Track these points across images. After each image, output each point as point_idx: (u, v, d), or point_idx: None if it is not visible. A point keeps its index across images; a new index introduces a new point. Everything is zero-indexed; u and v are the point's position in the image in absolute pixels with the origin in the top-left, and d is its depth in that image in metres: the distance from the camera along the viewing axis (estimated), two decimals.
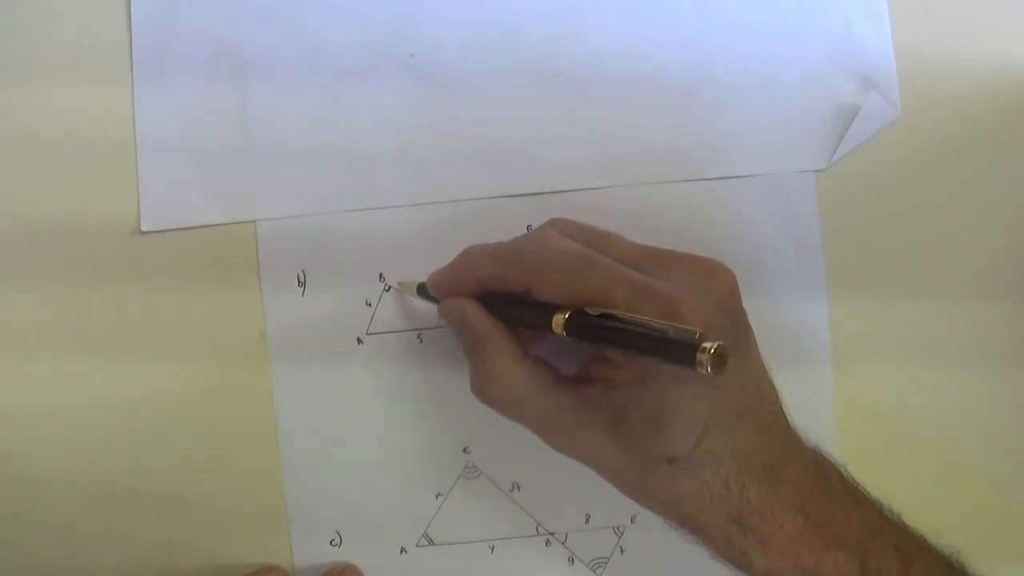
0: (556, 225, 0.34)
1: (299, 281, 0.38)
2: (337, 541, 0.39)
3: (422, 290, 0.37)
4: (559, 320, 0.30)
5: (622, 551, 0.39)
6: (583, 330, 0.30)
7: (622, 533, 0.39)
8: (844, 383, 0.39)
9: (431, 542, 0.39)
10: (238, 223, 0.38)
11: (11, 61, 0.38)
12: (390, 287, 0.38)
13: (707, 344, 0.25)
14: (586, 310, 0.30)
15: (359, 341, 0.38)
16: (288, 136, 0.38)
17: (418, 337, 0.38)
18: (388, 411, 0.38)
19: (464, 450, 0.39)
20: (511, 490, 0.39)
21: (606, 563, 0.39)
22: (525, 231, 0.38)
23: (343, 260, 0.38)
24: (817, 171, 0.39)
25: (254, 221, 0.38)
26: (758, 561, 0.31)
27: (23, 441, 0.38)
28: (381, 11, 0.39)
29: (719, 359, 0.25)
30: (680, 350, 0.26)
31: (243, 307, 0.38)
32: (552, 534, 0.39)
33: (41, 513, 0.38)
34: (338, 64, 0.38)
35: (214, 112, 0.38)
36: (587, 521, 0.39)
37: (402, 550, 0.39)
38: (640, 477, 0.31)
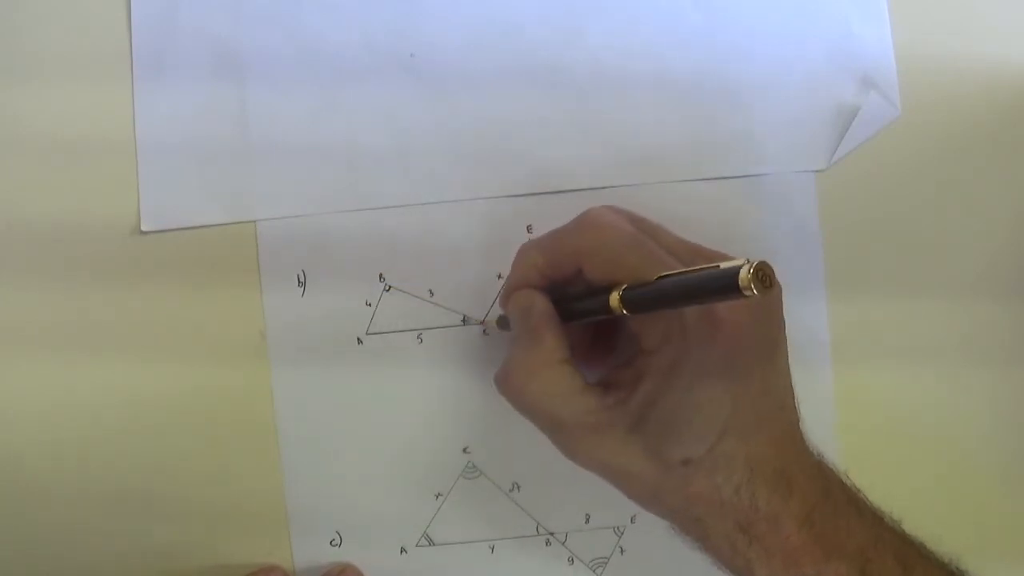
0: (608, 207, 0.35)
1: (299, 281, 0.38)
2: (337, 541, 0.39)
3: (502, 322, 0.37)
4: (615, 295, 0.30)
5: (622, 551, 0.39)
6: (637, 300, 0.30)
7: (622, 533, 0.39)
8: (844, 383, 0.39)
9: (431, 542, 0.39)
10: (238, 223, 0.38)
11: (11, 61, 0.38)
12: (390, 286, 0.38)
13: (747, 264, 0.25)
14: (643, 279, 0.30)
15: (359, 341, 0.38)
16: (288, 136, 0.38)
17: (418, 337, 0.38)
18: (388, 411, 0.38)
19: (464, 450, 0.39)
20: (511, 490, 0.39)
21: (606, 563, 0.39)
22: (525, 231, 0.38)
23: (343, 260, 0.38)
24: (817, 171, 0.39)
25: (254, 221, 0.38)
26: (761, 570, 0.31)
27: (23, 441, 0.38)
28: (381, 11, 0.39)
29: (763, 276, 0.25)
30: (724, 279, 0.26)
31: (243, 307, 0.38)
32: (552, 534, 0.39)
33: (41, 513, 0.38)
34: (338, 64, 0.38)
35: (214, 112, 0.38)
36: (587, 521, 0.39)
37: (402, 550, 0.39)
38: (653, 479, 0.32)
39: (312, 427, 0.38)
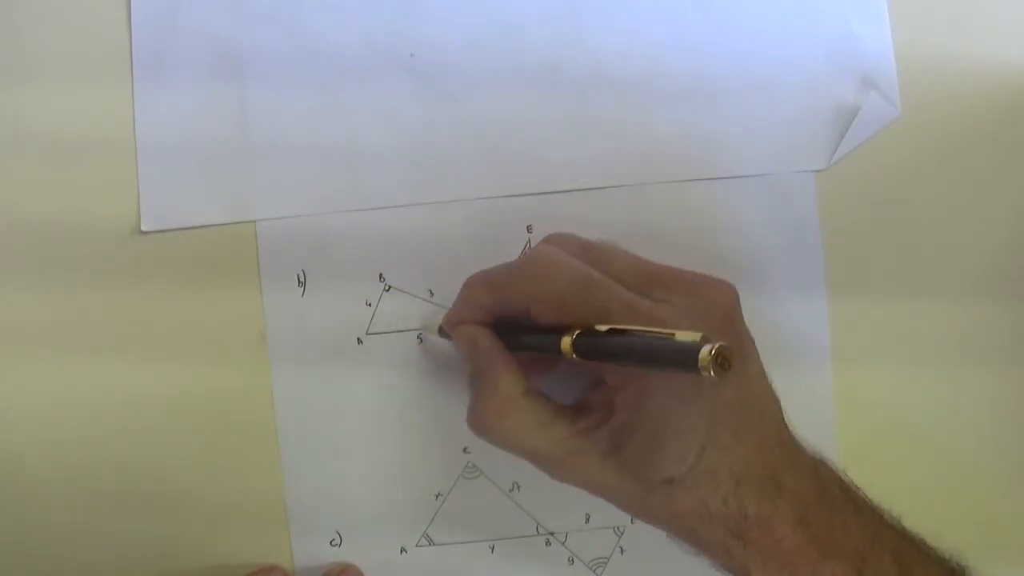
0: (555, 241, 0.34)
1: (299, 281, 0.38)
2: (337, 541, 0.39)
3: (442, 331, 0.37)
4: (567, 341, 0.30)
5: (622, 551, 0.39)
6: (590, 347, 0.30)
7: (622, 533, 0.39)
8: (844, 383, 0.39)
9: (431, 542, 0.39)
10: (238, 223, 0.38)
11: (11, 61, 0.38)
12: (390, 286, 0.38)
13: (708, 345, 0.25)
14: (595, 328, 0.30)
15: (359, 341, 0.38)
16: (288, 136, 0.38)
17: (418, 337, 0.38)
18: (388, 411, 0.38)
19: (464, 450, 0.39)
20: (511, 490, 0.39)
21: (606, 563, 0.39)
22: (525, 231, 0.38)
23: (343, 260, 0.38)
24: (817, 171, 0.39)
25: (254, 221, 0.38)
26: (757, 573, 0.31)
27: (23, 441, 0.38)
28: (381, 11, 0.39)
29: (722, 360, 0.25)
30: (682, 355, 0.26)
31: (243, 307, 0.38)
32: (552, 534, 0.39)
33: (40, 513, 0.38)
34: (338, 64, 0.38)
35: (214, 112, 0.38)
36: (587, 521, 0.39)
37: (402, 550, 0.39)
38: (638, 497, 0.32)
39: (312, 427, 0.38)
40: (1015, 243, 0.40)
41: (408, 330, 0.38)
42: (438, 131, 0.38)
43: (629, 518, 0.39)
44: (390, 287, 0.38)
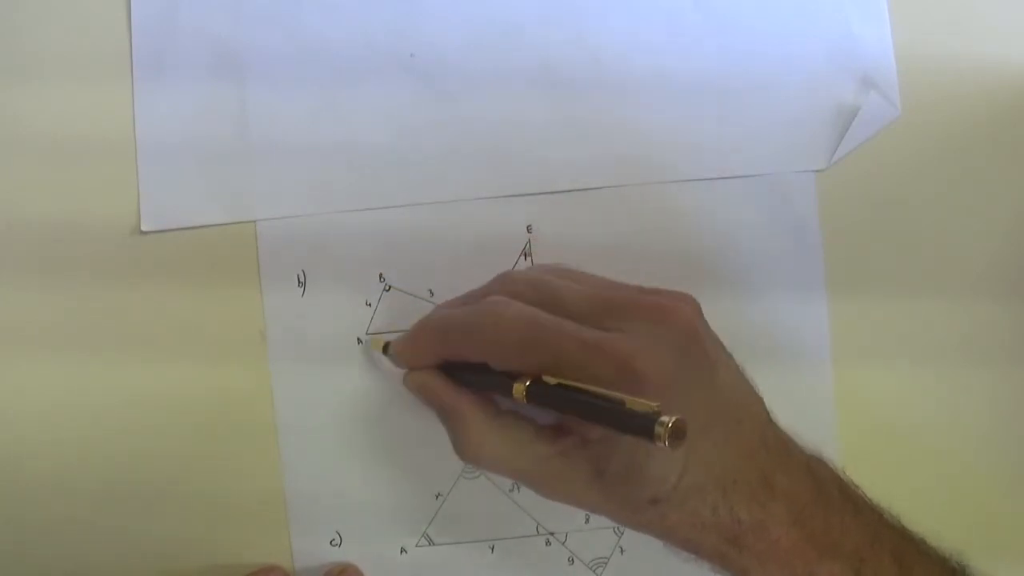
0: (505, 284, 0.34)
1: (299, 281, 0.38)
2: (337, 541, 0.39)
3: (386, 350, 0.37)
4: (519, 389, 0.30)
5: (622, 551, 0.39)
6: (543, 398, 0.30)
7: (622, 533, 0.39)
8: (844, 383, 0.39)
9: (431, 542, 0.39)
10: (238, 223, 0.38)
11: (11, 61, 0.38)
12: (390, 286, 0.38)
13: (664, 419, 0.25)
14: (544, 378, 0.30)
15: (359, 341, 0.38)
16: (288, 136, 0.38)
17: None
18: (388, 411, 0.38)
19: None
20: (511, 490, 0.39)
21: (606, 563, 0.39)
22: (525, 231, 0.38)
23: (343, 260, 0.38)
24: (817, 171, 0.39)
25: (254, 221, 0.38)
26: (756, 574, 0.31)
27: (23, 441, 0.38)
28: (381, 11, 0.39)
29: (678, 432, 0.26)
30: (638, 423, 0.26)
31: (243, 307, 0.38)
32: (552, 534, 0.39)
33: (40, 513, 0.38)
34: (338, 64, 0.38)
35: (214, 112, 0.38)
36: (587, 521, 0.39)
37: (402, 550, 0.39)
38: (628, 516, 0.32)
39: (312, 427, 0.38)
40: (1015, 243, 0.40)
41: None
42: (438, 131, 0.38)
43: None
44: (390, 287, 0.38)
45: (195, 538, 0.38)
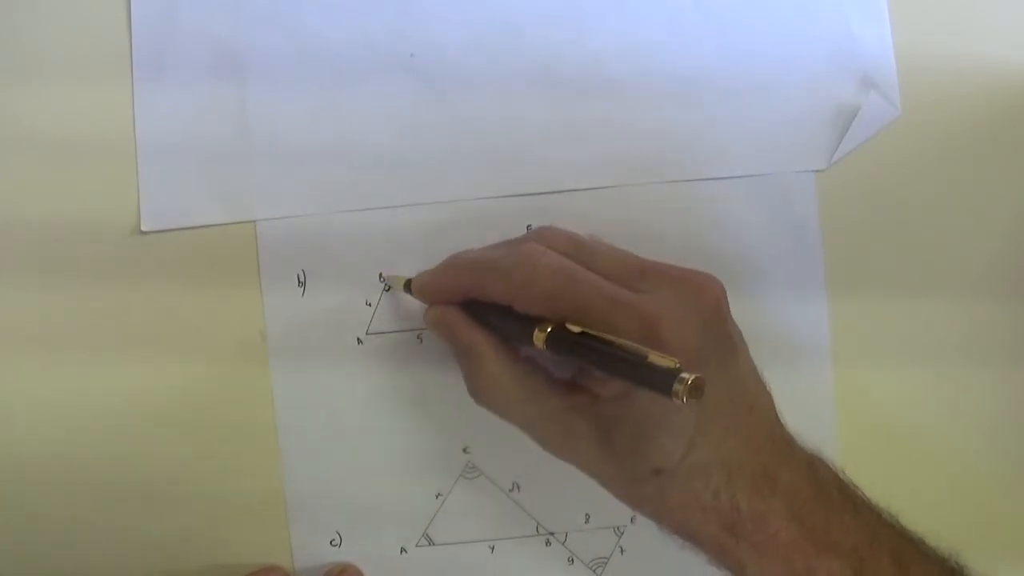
0: (543, 236, 0.34)
1: (299, 281, 0.38)
2: (337, 541, 0.39)
3: (408, 286, 0.37)
4: (539, 334, 0.30)
5: (622, 551, 0.39)
6: (563, 345, 0.30)
7: (622, 533, 0.39)
8: (844, 383, 0.39)
9: (431, 542, 0.39)
10: (238, 223, 0.38)
11: (11, 61, 0.38)
12: (388, 286, 0.38)
13: (684, 375, 0.25)
14: (567, 326, 0.30)
15: (359, 341, 0.38)
16: (288, 136, 0.38)
17: (418, 337, 0.38)
18: (388, 411, 0.38)
19: (464, 450, 0.39)
20: (511, 490, 0.39)
21: (606, 563, 0.39)
22: (525, 231, 0.38)
23: (343, 260, 0.38)
24: (817, 171, 0.39)
25: (254, 221, 0.38)
26: (752, 567, 0.31)
27: (23, 441, 0.38)
28: (381, 11, 0.39)
29: (696, 390, 0.25)
30: (657, 378, 0.26)
31: (243, 307, 0.38)
32: (552, 534, 0.39)
33: (40, 513, 0.38)
34: (338, 64, 0.38)
35: (214, 112, 0.38)
36: (587, 521, 0.39)
37: (402, 550, 0.39)
38: (630, 488, 0.32)
39: (312, 427, 0.38)
40: (1015, 243, 0.40)
41: (408, 330, 0.38)
42: (438, 131, 0.38)
43: (629, 518, 0.39)
44: (390, 287, 0.38)
45: (195, 538, 0.38)
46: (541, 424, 0.33)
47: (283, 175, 0.38)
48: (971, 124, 0.40)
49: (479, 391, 0.33)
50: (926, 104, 0.39)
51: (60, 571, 0.38)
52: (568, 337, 0.30)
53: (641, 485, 0.31)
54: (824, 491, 0.32)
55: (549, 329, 0.30)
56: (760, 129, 0.39)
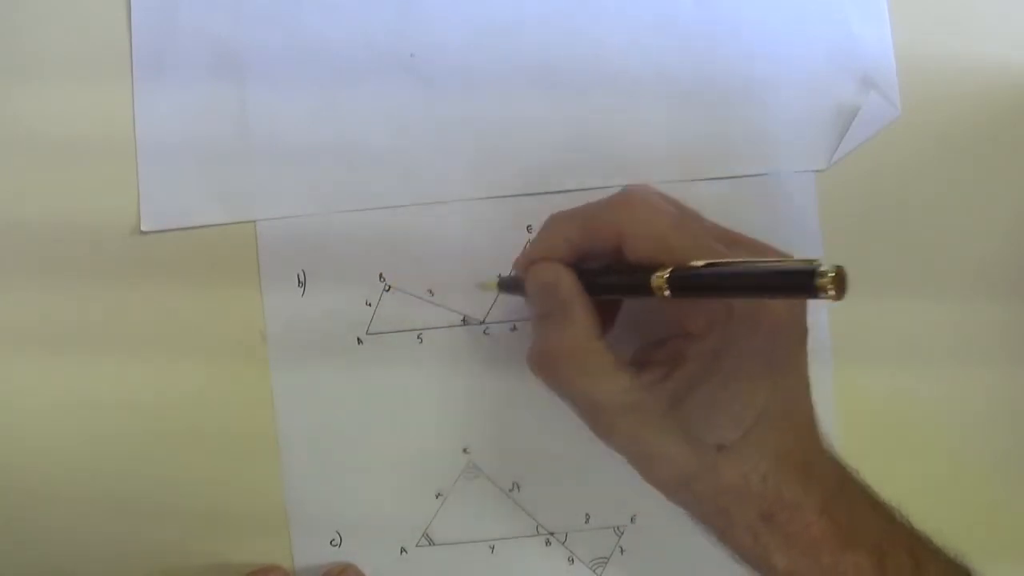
0: (641, 187, 0.33)
1: (299, 281, 0.38)
2: (337, 541, 0.39)
3: (503, 283, 0.36)
4: (659, 277, 0.29)
5: (622, 551, 0.39)
6: (688, 282, 0.29)
7: (622, 533, 0.39)
8: (844, 383, 0.39)
9: (431, 542, 0.39)
10: (238, 223, 0.38)
11: (11, 61, 0.38)
12: (390, 286, 0.38)
13: (825, 268, 0.25)
14: (691, 264, 0.29)
15: (359, 341, 0.38)
16: (288, 136, 0.38)
17: (418, 337, 0.38)
18: (388, 411, 0.38)
19: (464, 450, 0.39)
20: (511, 490, 0.39)
21: (606, 563, 0.39)
22: (525, 231, 0.38)
23: (343, 260, 0.38)
24: (817, 171, 0.39)
25: (254, 221, 0.38)
26: (780, 559, 0.31)
27: (23, 441, 0.38)
28: (381, 11, 0.39)
29: (840, 282, 0.25)
30: (799, 277, 0.25)
31: (243, 307, 0.38)
32: (552, 534, 0.39)
33: (40, 512, 0.38)
34: (338, 64, 0.38)
35: (214, 112, 0.38)
36: (587, 521, 0.39)
37: (402, 550, 0.39)
38: (686, 464, 0.31)
39: (312, 427, 0.38)
40: (1015, 243, 0.40)
41: (408, 330, 0.38)
42: (438, 131, 0.38)
43: (629, 518, 0.39)
44: (390, 287, 0.38)
45: (195, 538, 0.38)
46: (605, 402, 0.32)
47: (283, 175, 0.38)
48: (971, 124, 0.40)
49: (554, 359, 0.32)
50: (926, 104, 0.39)
51: (59, 570, 0.38)
52: (691, 273, 0.29)
53: (698, 462, 0.31)
54: (846, 486, 0.32)
55: (670, 270, 0.29)
56: (760, 129, 0.39)
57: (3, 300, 0.37)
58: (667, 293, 0.29)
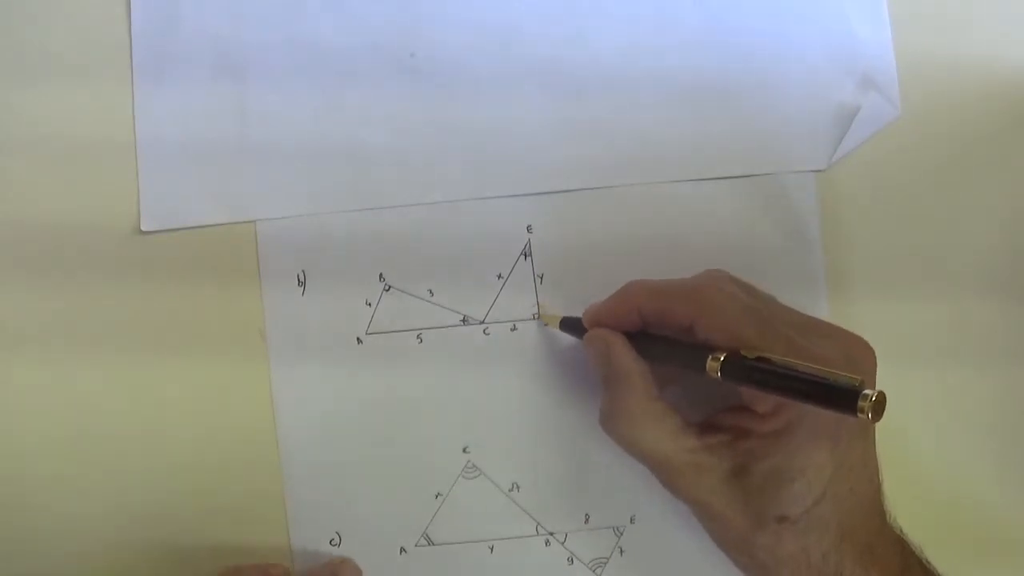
0: (717, 273, 0.35)
1: (299, 281, 0.38)
2: (337, 541, 0.39)
3: (565, 323, 0.37)
4: (713, 362, 0.30)
5: (622, 551, 0.39)
6: (739, 371, 0.30)
7: (622, 533, 0.39)
8: None
9: (431, 542, 0.39)
10: (238, 223, 0.38)
11: (11, 61, 0.38)
12: (390, 286, 0.38)
13: (869, 391, 0.26)
14: (742, 353, 0.30)
15: (359, 341, 0.38)
16: (288, 136, 0.38)
17: (418, 337, 0.38)
18: (388, 411, 0.38)
19: (464, 450, 0.39)
20: (511, 490, 0.39)
21: (606, 563, 0.39)
22: (525, 231, 0.38)
23: (343, 260, 0.38)
24: (817, 171, 0.39)
25: (254, 221, 0.38)
26: None
27: (23, 441, 0.38)
28: (381, 11, 0.39)
29: (879, 407, 0.26)
30: (841, 395, 0.27)
31: (243, 307, 0.38)
32: (552, 534, 0.39)
33: (39, 512, 0.38)
34: (338, 64, 0.38)
35: (214, 112, 0.38)
36: (587, 521, 0.39)
37: (402, 550, 0.39)
38: (746, 530, 0.32)
39: (312, 427, 0.38)
40: (1015, 243, 0.40)
41: (408, 330, 0.38)
42: (438, 131, 0.38)
43: (629, 518, 0.39)
44: (390, 287, 0.38)
45: (194, 537, 0.38)
46: (671, 462, 0.33)
47: (283, 175, 0.38)
48: (971, 124, 0.40)
49: (617, 420, 0.34)
50: (926, 104, 0.39)
51: (59, 570, 0.38)
52: (745, 363, 0.30)
53: (758, 530, 0.31)
54: (909, 569, 0.32)
55: (725, 355, 0.30)
56: (760, 129, 0.39)
57: (3, 300, 0.37)
58: (719, 376, 0.30)
